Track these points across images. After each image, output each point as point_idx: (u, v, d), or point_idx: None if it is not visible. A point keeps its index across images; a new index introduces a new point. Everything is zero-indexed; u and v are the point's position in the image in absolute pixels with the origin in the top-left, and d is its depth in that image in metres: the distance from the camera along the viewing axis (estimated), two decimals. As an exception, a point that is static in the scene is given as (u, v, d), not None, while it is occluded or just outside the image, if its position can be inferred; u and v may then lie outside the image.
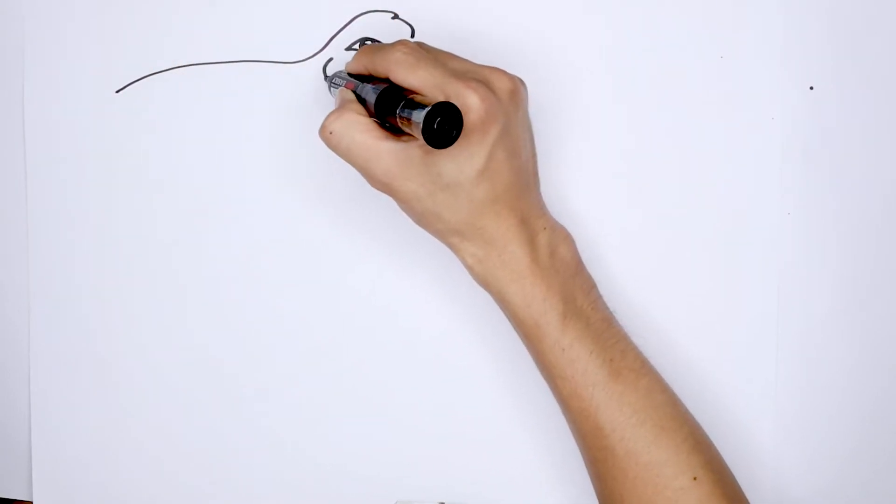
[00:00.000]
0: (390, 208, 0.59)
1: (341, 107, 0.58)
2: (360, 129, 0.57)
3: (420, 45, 0.58)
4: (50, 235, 0.67)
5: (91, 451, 0.67)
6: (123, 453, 0.67)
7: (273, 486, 0.66)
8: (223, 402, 0.67)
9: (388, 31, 0.64)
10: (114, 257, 0.67)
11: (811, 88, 0.63)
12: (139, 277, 0.67)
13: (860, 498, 0.64)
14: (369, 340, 0.66)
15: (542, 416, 0.64)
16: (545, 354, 0.57)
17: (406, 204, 0.57)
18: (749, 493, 0.59)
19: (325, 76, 0.64)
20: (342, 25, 0.64)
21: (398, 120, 0.54)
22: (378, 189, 0.58)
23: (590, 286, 0.59)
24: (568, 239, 0.59)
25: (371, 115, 0.57)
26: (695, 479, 0.56)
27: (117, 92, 0.66)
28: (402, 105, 0.54)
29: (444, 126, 0.52)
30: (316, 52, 0.65)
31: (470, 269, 0.58)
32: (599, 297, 0.59)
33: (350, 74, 0.61)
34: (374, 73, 0.58)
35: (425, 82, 0.55)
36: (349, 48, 0.64)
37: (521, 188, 0.57)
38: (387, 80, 0.57)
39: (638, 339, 0.59)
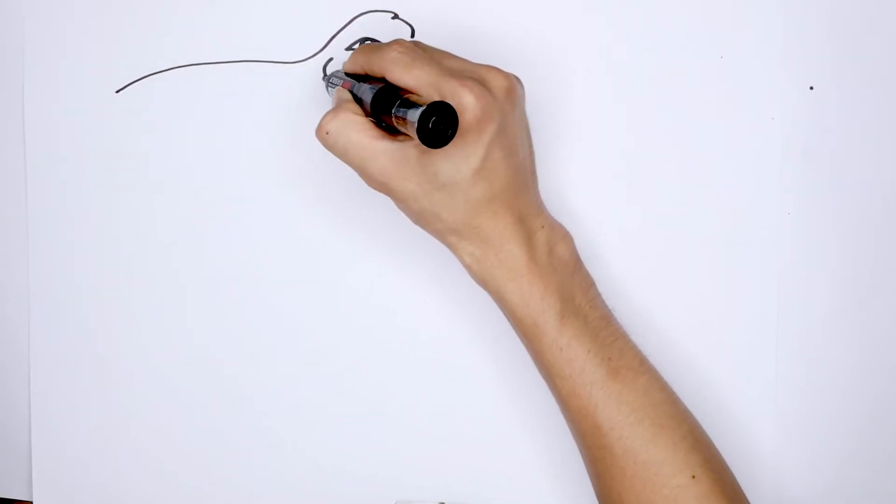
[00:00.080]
0: (389, 208, 0.59)
1: (337, 106, 0.58)
2: (357, 129, 0.57)
3: (416, 44, 0.58)
4: (50, 235, 0.67)
5: (91, 451, 0.67)
6: (123, 453, 0.67)
7: (273, 486, 0.66)
8: (223, 402, 0.67)
9: (388, 31, 0.64)
10: (114, 257, 0.67)
11: (811, 88, 0.63)
12: (139, 277, 0.67)
13: (860, 498, 0.64)
14: (369, 340, 0.66)
15: (542, 415, 0.64)
16: (543, 353, 0.57)
17: (403, 203, 0.57)
18: (749, 493, 0.59)
19: (325, 76, 0.64)
20: (342, 25, 0.64)
21: (394, 119, 0.54)
22: (375, 189, 0.58)
23: (588, 284, 0.59)
24: (566, 237, 0.59)
25: (367, 114, 0.57)
26: (693, 477, 0.56)
27: (117, 92, 0.66)
28: (397, 104, 0.54)
29: (439, 125, 0.52)
30: (316, 52, 0.65)
31: (468, 268, 0.58)
32: (598, 295, 0.59)
33: (347, 74, 0.61)
34: (370, 72, 0.58)
35: (421, 81, 0.55)
36: (349, 48, 0.64)
37: (518, 187, 0.57)
38: (383, 80, 0.57)
39: (637, 338, 0.59)
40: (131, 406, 0.67)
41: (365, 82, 0.58)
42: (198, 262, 0.66)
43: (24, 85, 0.67)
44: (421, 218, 0.57)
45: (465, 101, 0.54)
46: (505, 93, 0.56)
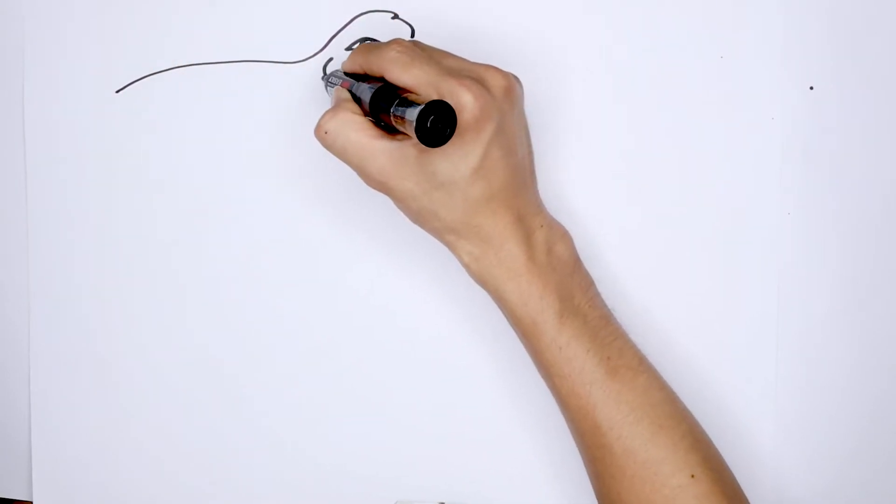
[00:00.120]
0: (389, 208, 0.59)
1: (336, 106, 0.58)
2: (355, 129, 0.57)
3: (415, 43, 0.58)
4: (50, 235, 0.67)
5: (91, 451, 0.67)
6: (123, 453, 0.67)
7: (273, 486, 0.66)
8: (223, 402, 0.67)
9: (388, 31, 0.64)
10: (114, 257, 0.67)
11: (811, 88, 0.63)
12: (139, 277, 0.67)
13: (860, 498, 0.64)
14: (369, 340, 0.66)
15: (542, 415, 0.64)
16: (542, 353, 0.57)
17: (402, 203, 0.57)
18: (749, 493, 0.59)
19: (324, 76, 0.64)
20: (342, 25, 0.64)
21: (392, 119, 0.54)
22: (374, 188, 0.58)
23: (587, 284, 0.59)
24: (565, 237, 0.59)
25: (366, 114, 0.57)
26: (693, 476, 0.56)
27: (117, 92, 0.66)
28: (396, 103, 0.54)
29: (437, 124, 0.52)
30: (316, 52, 0.65)
31: (467, 267, 0.58)
32: (597, 294, 0.59)
33: (346, 73, 0.61)
34: (368, 71, 0.59)
35: (419, 80, 0.55)
36: (349, 48, 0.64)
37: (517, 186, 0.57)
38: (382, 80, 0.57)
39: (637, 338, 0.59)
40: (131, 406, 0.67)
41: (364, 82, 0.58)
42: (198, 262, 0.66)
43: (24, 85, 0.67)
44: (420, 217, 0.57)
45: (464, 101, 0.54)
46: (504, 92, 0.56)
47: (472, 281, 0.58)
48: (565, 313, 0.57)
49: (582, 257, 0.59)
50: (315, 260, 0.66)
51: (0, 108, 0.67)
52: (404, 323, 0.65)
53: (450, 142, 0.53)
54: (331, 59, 0.64)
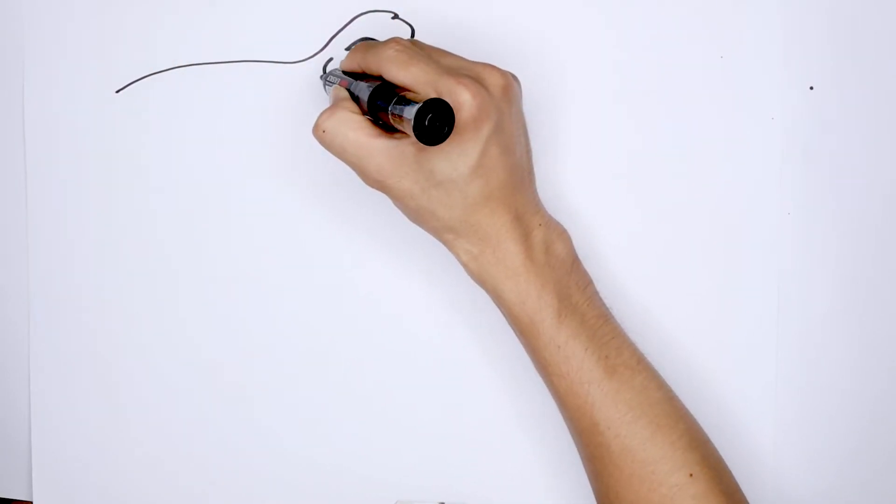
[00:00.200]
0: (390, 208, 0.59)
1: (334, 105, 0.58)
2: (353, 127, 0.57)
3: (413, 42, 0.58)
4: (50, 235, 0.67)
5: (91, 451, 0.67)
6: (123, 453, 0.67)
7: (273, 486, 0.66)
8: (223, 403, 0.67)
9: (388, 32, 0.63)
10: (114, 257, 0.67)
11: (811, 88, 0.63)
12: (139, 277, 0.67)
13: (860, 498, 0.64)
14: (368, 340, 0.66)
15: (542, 415, 0.64)
16: (540, 352, 0.57)
17: (400, 201, 0.57)
18: (749, 493, 0.58)
19: (323, 75, 0.64)
20: (342, 25, 0.64)
21: (390, 117, 0.54)
22: (372, 187, 0.58)
23: (586, 283, 0.59)
24: (564, 235, 0.59)
25: (365, 112, 0.57)
26: (691, 475, 0.56)
27: (117, 92, 0.66)
28: (394, 102, 0.54)
29: (435, 123, 0.52)
30: (316, 52, 0.65)
31: (465, 265, 0.58)
32: (596, 293, 0.59)
33: (344, 72, 0.61)
34: (367, 70, 0.59)
35: (417, 79, 0.55)
36: (349, 48, 0.64)
37: (515, 185, 0.57)
38: (381, 78, 0.57)
39: (637, 338, 0.59)
40: (131, 406, 0.67)
41: (362, 81, 0.58)
42: (198, 262, 0.66)
43: (24, 85, 0.67)
44: (418, 216, 0.57)
45: (462, 99, 0.54)
46: (502, 90, 0.56)
47: (471, 280, 0.59)
48: (563, 312, 0.57)
49: (581, 257, 0.59)
50: (315, 260, 0.66)
51: (0, 108, 0.67)
52: (404, 322, 0.65)
53: (448, 140, 0.53)
54: (331, 59, 0.64)
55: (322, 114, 0.57)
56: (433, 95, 0.54)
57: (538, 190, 0.59)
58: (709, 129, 0.64)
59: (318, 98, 0.64)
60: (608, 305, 0.59)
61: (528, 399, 0.64)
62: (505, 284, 0.57)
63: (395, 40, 0.58)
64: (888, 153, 0.63)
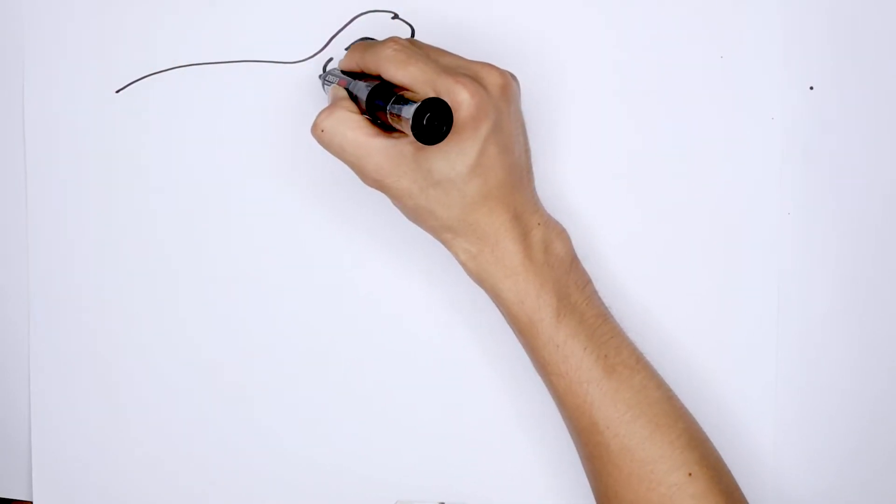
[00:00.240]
0: (389, 207, 0.59)
1: (333, 104, 0.58)
2: (352, 127, 0.57)
3: (411, 41, 0.58)
4: (50, 235, 0.67)
5: (91, 451, 0.67)
6: (123, 453, 0.67)
7: (273, 486, 0.66)
8: (223, 403, 0.67)
9: (388, 32, 0.63)
10: (114, 257, 0.67)
11: (811, 88, 0.63)
12: (139, 277, 0.67)
13: (860, 498, 0.64)
14: (368, 340, 0.66)
15: (542, 415, 0.64)
16: (539, 351, 0.57)
17: (399, 201, 0.57)
18: (749, 493, 0.58)
19: (322, 74, 0.64)
20: (342, 25, 0.64)
21: (389, 116, 0.55)
22: (371, 186, 0.58)
23: (584, 282, 0.59)
24: (562, 234, 0.59)
25: (363, 112, 0.57)
26: (690, 475, 0.56)
27: (117, 92, 0.66)
28: (392, 101, 0.54)
29: (433, 122, 0.52)
30: (316, 52, 0.65)
31: (463, 265, 0.58)
32: (595, 292, 0.59)
33: (343, 72, 0.61)
34: (365, 69, 0.59)
35: (416, 79, 0.55)
36: (349, 48, 0.64)
37: (513, 184, 0.57)
38: (379, 78, 0.57)
39: (637, 338, 0.59)
40: (131, 406, 0.67)
41: (361, 80, 0.58)
42: (198, 262, 0.66)
43: (24, 85, 0.67)
44: (416, 215, 0.57)
45: (460, 98, 0.54)
46: (500, 90, 0.56)
47: (471, 280, 0.58)
48: (562, 311, 0.57)
49: (580, 256, 0.59)
50: (314, 260, 0.66)
51: (0, 108, 0.67)
52: (404, 322, 0.65)
53: (446, 139, 0.53)
54: (331, 59, 0.64)
55: (320, 113, 0.57)
56: (431, 95, 0.54)
57: (538, 189, 0.59)
58: (709, 129, 0.64)
59: (318, 98, 0.64)
60: (607, 305, 0.59)
61: (528, 399, 0.64)
62: (503, 283, 0.57)
63: (393, 39, 0.58)
64: (888, 153, 0.63)
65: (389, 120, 0.55)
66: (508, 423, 0.65)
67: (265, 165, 0.66)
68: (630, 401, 0.56)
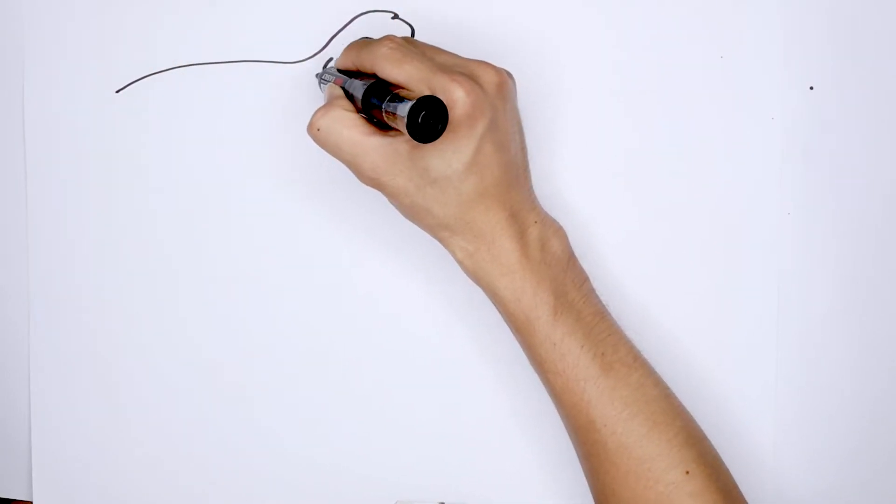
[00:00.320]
0: (389, 207, 0.59)
1: (329, 103, 0.58)
2: (348, 125, 0.57)
3: (407, 40, 0.58)
4: (50, 235, 0.67)
5: (91, 451, 0.67)
6: (123, 453, 0.67)
7: (273, 486, 0.66)
8: (223, 403, 0.67)
9: (388, 32, 0.63)
10: (114, 257, 0.67)
11: (811, 88, 0.63)
12: (139, 277, 0.67)
13: (860, 498, 0.64)
14: (368, 339, 0.66)
15: (540, 414, 0.63)
16: (536, 349, 0.57)
17: (395, 199, 0.57)
18: (749, 493, 0.58)
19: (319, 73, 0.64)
20: (342, 25, 0.64)
21: (384, 115, 0.55)
22: (367, 185, 0.58)
23: (582, 280, 0.59)
24: (559, 232, 0.59)
25: (359, 110, 0.57)
26: (687, 472, 0.56)
27: (117, 92, 0.66)
28: (387, 99, 0.54)
29: (428, 120, 0.52)
30: (316, 52, 0.65)
31: (460, 263, 0.58)
32: (592, 290, 0.59)
33: (339, 70, 0.61)
34: (361, 68, 0.59)
35: (411, 77, 0.55)
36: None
37: (510, 182, 0.57)
38: (375, 76, 0.57)
39: (636, 337, 0.59)
40: (131, 406, 0.67)
41: (357, 79, 0.58)
42: (198, 262, 0.66)
43: (24, 85, 0.67)
44: (413, 213, 0.57)
45: (456, 96, 0.54)
46: (496, 88, 0.56)
47: (468, 278, 0.58)
48: (559, 309, 0.57)
49: (578, 255, 0.59)
50: (314, 260, 0.66)
51: (0, 108, 0.67)
52: (402, 322, 0.65)
53: (442, 137, 0.53)
54: (331, 59, 0.64)
55: (316, 112, 0.57)
56: (427, 93, 0.54)
57: (536, 187, 0.59)
58: (709, 129, 0.64)
59: (318, 98, 0.64)
60: (605, 303, 0.59)
61: (527, 397, 0.64)
62: (500, 282, 0.57)
63: (389, 38, 0.58)
64: (888, 153, 0.63)
65: (385, 118, 0.55)
66: (507, 421, 0.65)
67: (265, 165, 0.66)
68: (627, 398, 0.56)
